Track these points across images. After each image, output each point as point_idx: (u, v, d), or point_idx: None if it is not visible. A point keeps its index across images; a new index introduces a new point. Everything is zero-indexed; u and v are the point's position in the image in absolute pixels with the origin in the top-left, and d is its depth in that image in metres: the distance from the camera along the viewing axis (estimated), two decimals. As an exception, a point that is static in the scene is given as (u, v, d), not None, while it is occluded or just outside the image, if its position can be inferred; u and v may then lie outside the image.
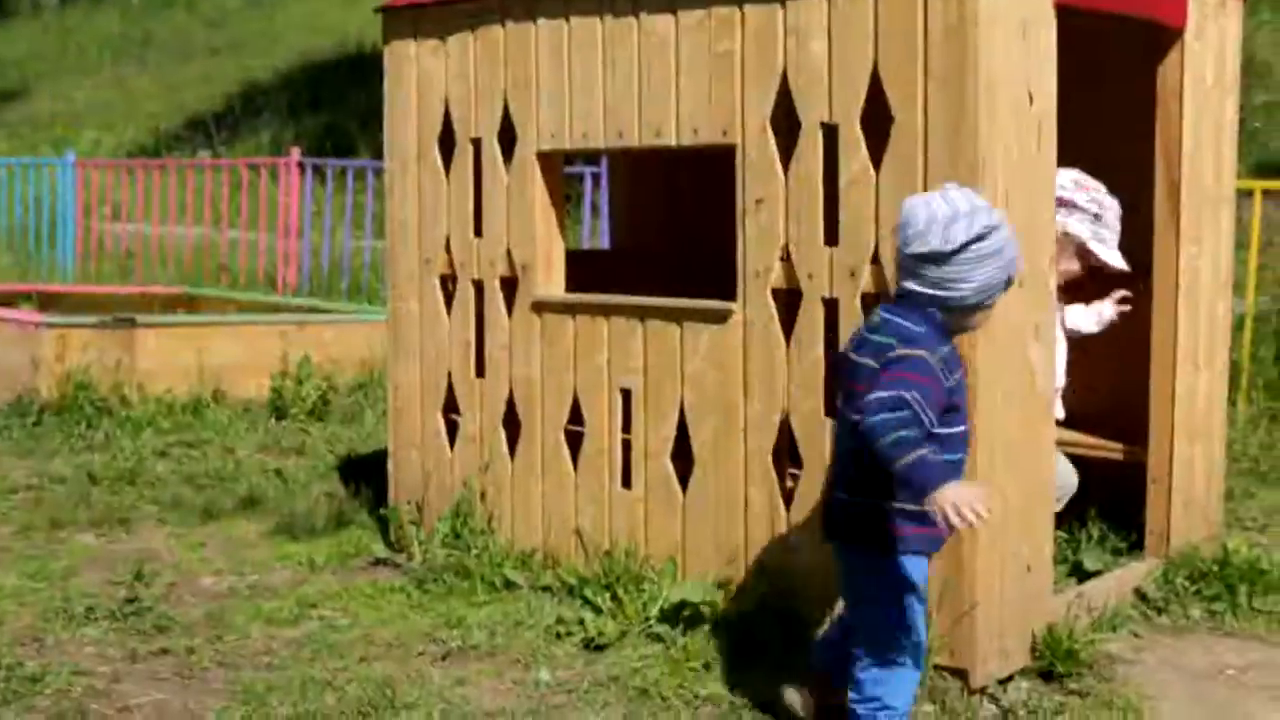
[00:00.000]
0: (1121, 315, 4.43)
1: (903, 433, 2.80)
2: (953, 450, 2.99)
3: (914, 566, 3.07)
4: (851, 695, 3.14)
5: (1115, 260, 4.22)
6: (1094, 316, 4.43)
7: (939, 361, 2.94)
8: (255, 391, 7.29)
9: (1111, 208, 4.22)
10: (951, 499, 2.75)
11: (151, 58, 24.43)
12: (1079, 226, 4.19)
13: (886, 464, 2.83)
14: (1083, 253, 4.23)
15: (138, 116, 21.21)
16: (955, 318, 3.01)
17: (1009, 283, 3.02)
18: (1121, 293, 4.41)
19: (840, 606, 3.37)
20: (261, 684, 3.59)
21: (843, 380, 3.14)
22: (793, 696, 3.36)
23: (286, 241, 11.61)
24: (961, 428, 3.04)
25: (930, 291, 2.97)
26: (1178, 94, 4.18)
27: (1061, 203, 4.03)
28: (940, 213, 2.93)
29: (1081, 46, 4.12)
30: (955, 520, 2.76)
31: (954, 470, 2.93)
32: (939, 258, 2.93)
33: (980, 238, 2.93)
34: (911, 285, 2.99)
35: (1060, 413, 4.17)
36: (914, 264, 2.97)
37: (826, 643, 3.39)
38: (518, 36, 4.34)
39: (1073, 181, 4.18)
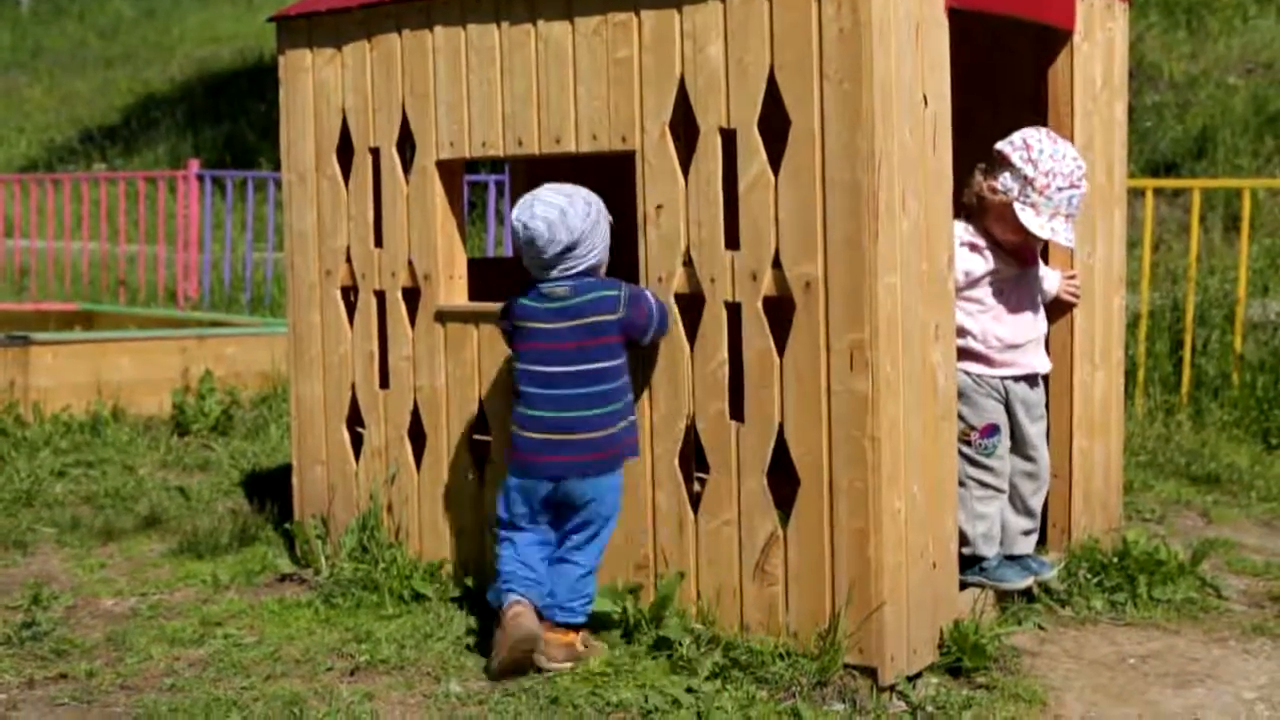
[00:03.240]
0: (1070, 295, 4.28)
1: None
2: None
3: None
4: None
5: (1037, 229, 3.90)
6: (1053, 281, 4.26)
7: None
8: (156, 408, 7.17)
9: (1056, 173, 3.88)
10: None
11: (43, 69, 23.93)
12: (1007, 182, 3.95)
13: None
14: (1017, 222, 3.94)
15: (30, 129, 20.77)
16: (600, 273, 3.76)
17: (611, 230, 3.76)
18: (1071, 272, 4.30)
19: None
20: (164, 706, 3.52)
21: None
22: None
23: (186, 255, 11.43)
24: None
25: (581, 266, 3.71)
26: (1068, 95, 4.26)
27: (999, 160, 3.98)
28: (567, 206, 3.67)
29: (977, 48, 4.19)
30: None
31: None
32: (573, 242, 3.67)
33: (588, 212, 3.69)
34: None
35: (1045, 365, 4.18)
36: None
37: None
38: (414, 45, 4.31)
39: (1021, 138, 3.95)
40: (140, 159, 17.75)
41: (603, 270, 3.78)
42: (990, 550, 4.05)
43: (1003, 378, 4.06)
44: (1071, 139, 4.20)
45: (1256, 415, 6.48)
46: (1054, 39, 4.25)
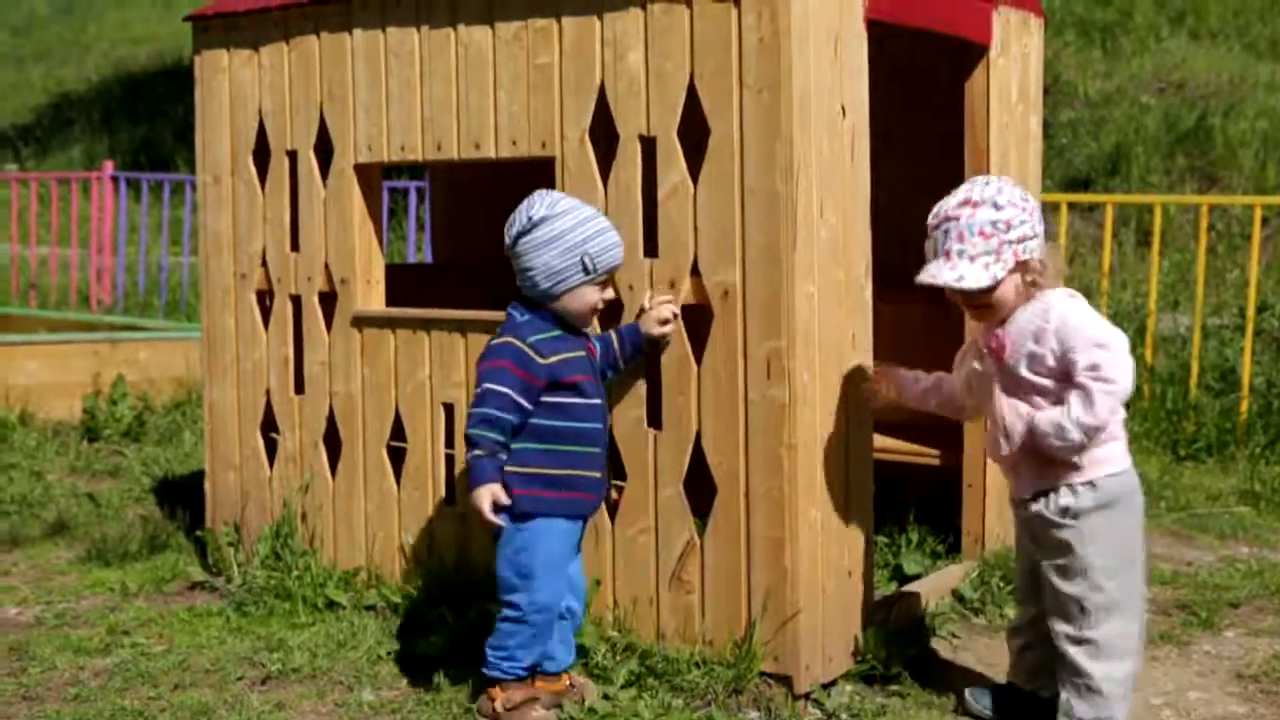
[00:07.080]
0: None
1: (475, 431, 3.27)
2: (577, 418, 3.36)
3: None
4: None
5: (927, 278, 3.21)
6: None
7: (529, 346, 3.32)
8: (66, 413, 7.03)
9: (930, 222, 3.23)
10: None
11: (-46, 67, 23.43)
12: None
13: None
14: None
15: (-61, 129, 20.31)
16: (552, 305, 3.37)
17: (588, 270, 3.34)
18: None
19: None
20: (68, 717, 3.44)
21: None
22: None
23: (100, 258, 11.23)
24: (582, 400, 3.37)
25: (520, 283, 3.39)
26: (984, 108, 4.31)
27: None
28: (518, 210, 3.37)
29: (896, 60, 4.22)
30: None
31: (583, 437, 3.37)
32: (509, 252, 3.39)
33: (531, 228, 3.33)
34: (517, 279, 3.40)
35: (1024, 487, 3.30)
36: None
37: None
38: (333, 47, 4.27)
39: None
40: (54, 160, 17.43)
41: (550, 304, 3.36)
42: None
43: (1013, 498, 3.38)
44: (987, 151, 4.26)
45: (1166, 427, 6.59)
46: (971, 53, 4.30)
